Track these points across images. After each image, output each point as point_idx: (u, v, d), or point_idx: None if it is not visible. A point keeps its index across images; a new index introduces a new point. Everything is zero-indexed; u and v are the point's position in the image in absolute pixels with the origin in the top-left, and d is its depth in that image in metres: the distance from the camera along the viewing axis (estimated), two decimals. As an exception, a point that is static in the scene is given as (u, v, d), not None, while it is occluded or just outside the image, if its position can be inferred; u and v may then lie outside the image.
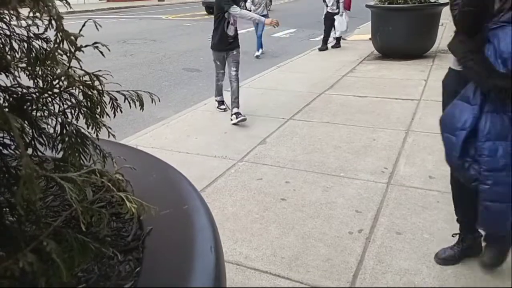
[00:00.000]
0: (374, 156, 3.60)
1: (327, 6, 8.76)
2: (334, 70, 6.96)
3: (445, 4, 7.55)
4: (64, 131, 0.63)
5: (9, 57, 0.59)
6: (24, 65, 0.69)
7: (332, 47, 9.10)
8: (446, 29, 10.53)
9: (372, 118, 4.55)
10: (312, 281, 2.15)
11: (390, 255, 2.32)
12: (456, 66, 1.96)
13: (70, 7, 0.64)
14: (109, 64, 7.52)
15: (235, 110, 4.51)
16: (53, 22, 0.54)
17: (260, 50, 9.04)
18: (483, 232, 2.14)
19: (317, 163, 3.49)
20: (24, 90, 0.62)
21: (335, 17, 8.81)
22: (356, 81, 6.25)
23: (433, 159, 3.48)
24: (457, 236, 2.28)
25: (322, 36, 8.99)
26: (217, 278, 0.71)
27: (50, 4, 0.51)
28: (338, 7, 8.73)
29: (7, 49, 0.67)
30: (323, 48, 8.88)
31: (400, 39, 7.28)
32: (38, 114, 0.66)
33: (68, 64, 0.60)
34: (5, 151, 0.74)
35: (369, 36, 8.54)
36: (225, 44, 4.52)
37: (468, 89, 1.83)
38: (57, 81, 0.62)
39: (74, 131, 0.63)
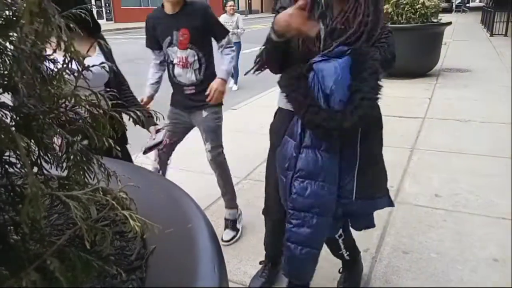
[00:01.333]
0: (379, 174, 3.58)
1: None
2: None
3: (447, 24, 7.63)
4: (70, 150, 0.64)
5: (16, 78, 0.61)
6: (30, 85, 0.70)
7: None
8: (449, 48, 10.61)
9: (377, 136, 4.55)
10: (318, 301, 2.12)
11: (397, 274, 2.29)
12: (284, 104, 1.76)
13: (77, 29, 0.66)
14: (115, 83, 7.58)
15: (225, 234, 2.70)
16: (61, 43, 0.55)
17: (234, 84, 7.85)
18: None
19: (322, 181, 3.47)
20: (31, 110, 0.63)
21: None
22: (360, 99, 6.26)
23: (439, 177, 3.46)
24: (264, 263, 2.27)
25: None
26: (220, 299, 0.71)
27: (59, 26, 0.53)
28: None
29: (14, 69, 0.68)
30: None
31: (403, 58, 7.30)
32: (44, 133, 0.67)
33: (75, 84, 0.61)
34: (10, 170, 0.74)
35: (373, 55, 8.61)
36: (182, 97, 2.57)
37: (294, 122, 1.68)
38: (63, 100, 0.64)
39: (79, 149, 0.64)
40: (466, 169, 3.61)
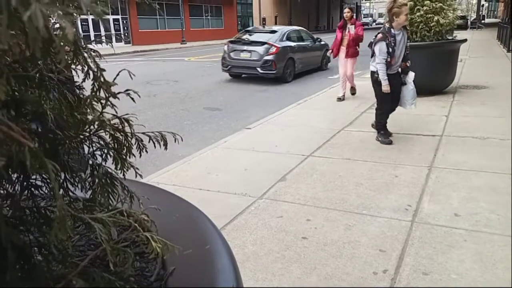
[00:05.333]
0: (396, 193, 3.54)
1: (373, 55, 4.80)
2: (353, 107, 6.99)
3: (463, 41, 7.59)
4: (95, 173, 0.67)
5: (45, 105, 0.64)
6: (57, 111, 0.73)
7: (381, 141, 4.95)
8: (465, 64, 10.51)
9: (393, 154, 4.51)
10: (336, 324, 2.08)
11: (417, 297, 2.24)
12: None
13: (102, 58, 0.70)
14: (133, 104, 7.73)
15: None
16: (90, 72, 0.58)
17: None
18: None
19: (338, 200, 3.45)
20: (58, 135, 0.66)
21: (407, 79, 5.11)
22: (376, 117, 6.24)
23: (458, 196, 3.40)
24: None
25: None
26: (239, 320, 0.71)
27: (87, 56, 0.56)
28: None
29: (43, 97, 0.72)
30: (386, 140, 4.86)
31: (420, 76, 7.27)
32: (70, 156, 0.70)
33: (101, 110, 0.64)
34: (35, 192, 0.77)
35: (388, 73, 8.60)
36: None
37: None
38: (89, 126, 0.66)
39: (103, 172, 0.67)
40: (486, 187, 3.54)
